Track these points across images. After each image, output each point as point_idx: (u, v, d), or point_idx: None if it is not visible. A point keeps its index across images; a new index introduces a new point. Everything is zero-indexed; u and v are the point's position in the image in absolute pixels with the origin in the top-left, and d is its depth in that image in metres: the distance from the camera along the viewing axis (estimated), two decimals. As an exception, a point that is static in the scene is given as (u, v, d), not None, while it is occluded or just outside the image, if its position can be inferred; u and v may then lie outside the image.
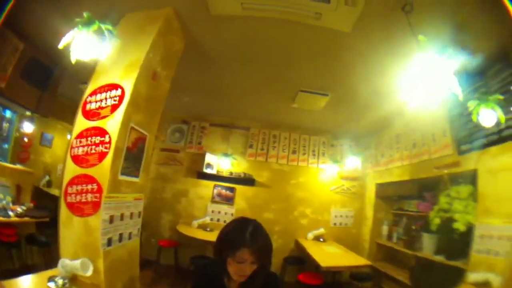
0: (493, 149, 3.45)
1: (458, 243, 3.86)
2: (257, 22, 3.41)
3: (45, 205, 5.01)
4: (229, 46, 4.09)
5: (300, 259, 6.20)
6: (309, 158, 7.39)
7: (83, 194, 2.66)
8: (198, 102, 6.56)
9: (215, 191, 7.05)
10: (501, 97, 2.91)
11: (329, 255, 5.45)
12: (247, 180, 7.06)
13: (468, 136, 3.87)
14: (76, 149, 2.77)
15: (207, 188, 7.06)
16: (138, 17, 3.29)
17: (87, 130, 2.80)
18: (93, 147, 2.73)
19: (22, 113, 5.32)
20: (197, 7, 3.25)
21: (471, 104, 3.00)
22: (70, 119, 3.00)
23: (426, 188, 5.13)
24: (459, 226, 3.77)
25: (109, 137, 2.72)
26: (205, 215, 6.74)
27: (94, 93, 2.92)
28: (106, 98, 2.86)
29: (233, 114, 7.28)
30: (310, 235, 6.65)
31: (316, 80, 4.82)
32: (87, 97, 2.92)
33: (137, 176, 3.18)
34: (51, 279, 2.25)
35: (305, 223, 7.06)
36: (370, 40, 3.43)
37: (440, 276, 4.13)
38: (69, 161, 2.78)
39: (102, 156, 2.70)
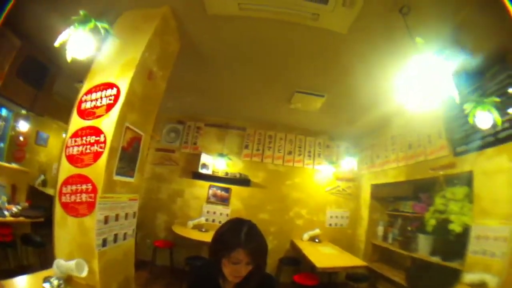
0: (489, 151, 3.46)
1: (453, 244, 3.87)
2: (254, 23, 3.40)
3: (40, 204, 4.96)
4: (225, 46, 4.08)
5: (296, 259, 6.19)
6: (304, 159, 7.39)
7: (78, 194, 2.64)
8: (193, 102, 6.52)
9: (211, 191, 7.02)
10: (497, 99, 2.92)
11: (325, 256, 5.45)
12: (242, 181, 7.04)
13: (464, 138, 3.89)
14: (71, 148, 2.75)
15: (203, 188, 7.03)
16: (135, 16, 3.27)
17: (82, 129, 2.78)
18: (88, 146, 2.71)
19: (18, 111, 5.28)
20: (194, 6, 3.24)
21: (468, 106, 3.01)
22: (65, 118, 2.97)
23: (421, 189, 5.15)
24: (455, 227, 3.78)
25: (104, 136, 2.70)
26: (201, 216, 6.71)
27: (89, 92, 2.90)
28: (101, 97, 2.84)
29: (229, 115, 7.26)
30: (306, 236, 6.65)
31: (312, 81, 4.82)
32: (82, 96, 2.90)
33: (132, 176, 3.16)
34: (46, 279, 2.23)
35: (300, 224, 7.05)
36: (367, 42, 3.44)
37: (436, 277, 4.14)
38: (64, 161, 2.75)
39: (97, 156, 2.68)
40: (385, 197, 6.52)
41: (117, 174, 2.87)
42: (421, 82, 2.31)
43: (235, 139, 7.38)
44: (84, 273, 2.24)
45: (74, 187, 2.65)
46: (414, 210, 5.22)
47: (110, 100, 2.81)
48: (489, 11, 2.59)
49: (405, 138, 5.39)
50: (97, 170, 2.65)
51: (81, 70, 3.10)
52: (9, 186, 4.93)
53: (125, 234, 3.12)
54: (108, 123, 2.74)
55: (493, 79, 3.43)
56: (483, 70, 3.50)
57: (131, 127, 2.99)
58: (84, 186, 2.64)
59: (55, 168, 5.96)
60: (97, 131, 2.73)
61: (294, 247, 6.48)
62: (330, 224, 7.15)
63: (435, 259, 4.25)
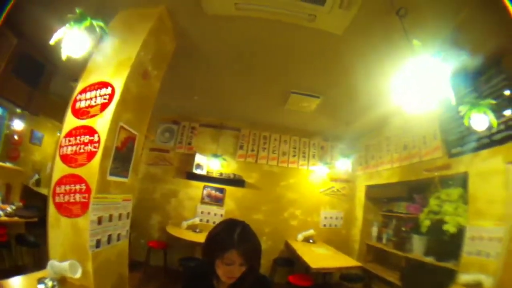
0: (484, 152, 3.49)
1: (448, 244, 3.90)
2: (250, 23, 3.39)
3: (34, 204, 4.94)
4: (221, 46, 4.07)
5: (290, 260, 6.21)
6: (299, 160, 7.40)
7: (72, 194, 2.62)
8: (188, 102, 6.51)
9: (205, 192, 7.01)
10: (493, 101, 2.93)
11: (319, 256, 5.45)
12: (237, 181, 7.05)
13: (459, 140, 3.91)
14: (65, 148, 2.73)
15: (197, 188, 7.02)
16: (131, 15, 3.25)
17: (76, 129, 2.76)
18: (82, 146, 2.69)
19: (13, 110, 5.25)
20: (191, 6, 3.23)
21: (463, 108, 3.02)
22: (60, 117, 2.95)
23: (416, 190, 5.17)
24: (449, 228, 3.79)
25: (98, 136, 2.68)
26: (195, 216, 6.70)
27: (84, 91, 2.88)
28: (96, 97, 2.82)
29: (224, 115, 7.26)
30: (300, 237, 6.65)
31: (308, 82, 4.82)
32: (77, 95, 2.87)
33: (126, 177, 3.14)
34: (40, 280, 2.21)
35: (295, 225, 7.06)
36: (364, 43, 3.44)
37: (431, 277, 4.15)
38: (58, 161, 2.73)
39: (91, 155, 2.66)
40: (380, 198, 6.55)
41: (111, 174, 2.85)
42: (417, 83, 2.31)
43: (229, 139, 7.38)
44: (78, 275, 2.22)
45: (67, 187, 2.63)
46: (408, 211, 5.24)
47: (104, 99, 2.79)
48: (485, 15, 2.61)
49: (400, 139, 5.41)
50: (91, 170, 2.64)
51: (76, 69, 3.09)
52: (3, 185, 4.90)
53: (119, 235, 3.10)
54: (102, 123, 2.72)
55: (488, 82, 3.45)
56: (479, 72, 3.52)
57: (126, 126, 2.97)
58: (77, 186, 2.62)
59: (49, 168, 5.94)
60: (91, 131, 2.71)
61: (289, 248, 6.47)
62: (325, 225, 7.16)
63: (429, 260, 4.27)
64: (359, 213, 6.92)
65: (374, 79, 3.99)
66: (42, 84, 4.71)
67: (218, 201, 7.01)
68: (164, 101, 4.45)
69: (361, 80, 4.18)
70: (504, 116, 3.18)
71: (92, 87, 2.87)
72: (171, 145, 7.25)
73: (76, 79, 3.03)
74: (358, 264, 5.28)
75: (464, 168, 3.79)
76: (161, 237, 6.53)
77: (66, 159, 2.70)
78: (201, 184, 7.02)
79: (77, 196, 2.61)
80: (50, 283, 2.20)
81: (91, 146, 2.68)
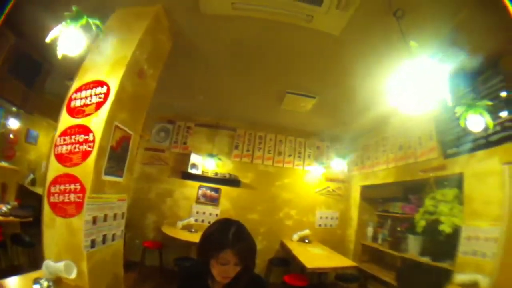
0: (480, 153, 3.50)
1: (443, 244, 3.91)
2: (246, 23, 3.39)
3: (29, 204, 4.90)
4: (218, 46, 4.06)
5: (285, 260, 6.21)
6: (294, 160, 7.41)
7: (66, 194, 2.60)
8: (184, 101, 6.52)
9: (200, 191, 7.00)
10: (489, 103, 2.94)
11: (315, 256, 5.44)
12: (232, 181, 7.03)
13: (455, 140, 3.92)
14: (60, 147, 2.71)
15: (192, 188, 7.01)
16: (127, 14, 3.23)
17: (71, 128, 2.74)
18: (77, 145, 2.68)
19: (8, 108, 5.22)
20: (187, 5, 3.22)
21: (459, 110, 3.02)
22: (56, 116, 2.94)
23: (411, 190, 5.18)
24: (445, 228, 3.81)
25: (93, 135, 2.67)
26: (190, 216, 6.69)
27: (79, 90, 2.86)
28: (91, 95, 2.80)
29: (219, 115, 7.25)
30: (295, 237, 6.64)
31: (304, 82, 4.82)
32: (72, 94, 2.86)
33: (121, 176, 3.12)
34: (36, 281, 2.20)
35: (290, 224, 7.06)
36: (361, 44, 3.45)
37: (427, 277, 4.16)
38: (53, 160, 2.71)
39: (85, 155, 2.65)
40: (375, 198, 6.57)
41: (106, 173, 2.83)
42: (414, 85, 2.31)
43: (225, 139, 7.37)
44: (73, 275, 2.21)
45: (62, 187, 2.62)
46: (404, 211, 5.25)
47: (100, 98, 2.78)
48: (482, 17, 2.62)
49: (395, 139, 5.43)
50: (86, 170, 2.62)
51: (72, 68, 3.07)
52: (-1, 185, 4.88)
53: (113, 235, 3.08)
54: (97, 122, 2.71)
55: (485, 83, 3.46)
56: (477, 73, 3.53)
57: (121, 126, 2.96)
58: (72, 186, 2.60)
59: (44, 167, 5.91)
60: (86, 130, 2.70)
61: (284, 248, 6.48)
62: (320, 225, 7.17)
63: (425, 260, 4.28)
64: (354, 213, 6.93)
65: (371, 80, 3.99)
66: (38, 83, 4.69)
67: (213, 201, 7.00)
68: (159, 100, 4.44)
69: (357, 81, 4.18)
70: (500, 117, 3.19)
71: (87, 86, 2.85)
72: (167, 144, 7.22)
73: (71, 78, 3.01)
74: (354, 264, 5.28)
75: (460, 169, 3.80)
76: (156, 237, 6.50)
77: (61, 159, 2.69)
78: (196, 183, 7.01)
79: (72, 196, 2.59)
80: (45, 284, 2.19)
81: (86, 145, 2.66)
